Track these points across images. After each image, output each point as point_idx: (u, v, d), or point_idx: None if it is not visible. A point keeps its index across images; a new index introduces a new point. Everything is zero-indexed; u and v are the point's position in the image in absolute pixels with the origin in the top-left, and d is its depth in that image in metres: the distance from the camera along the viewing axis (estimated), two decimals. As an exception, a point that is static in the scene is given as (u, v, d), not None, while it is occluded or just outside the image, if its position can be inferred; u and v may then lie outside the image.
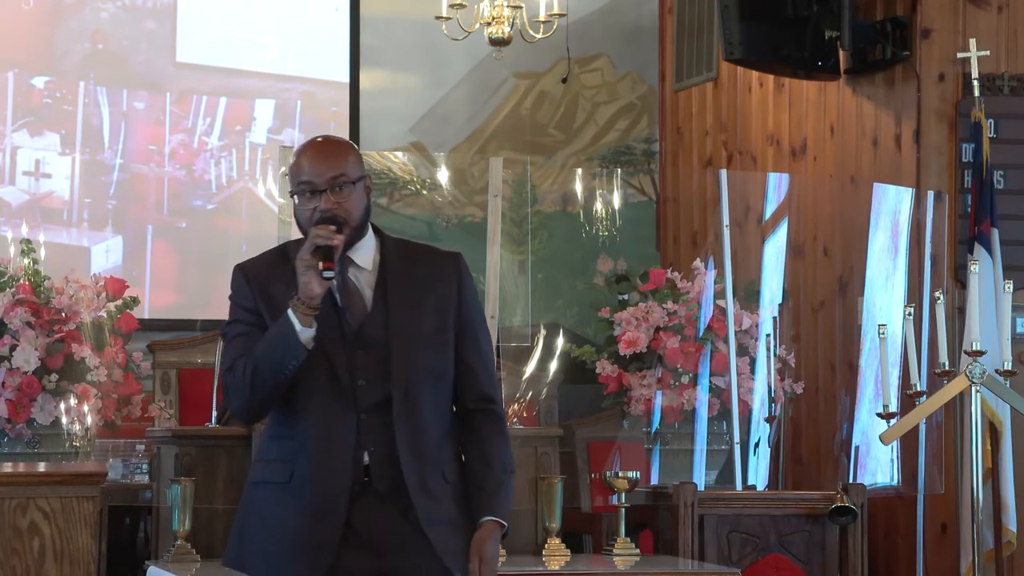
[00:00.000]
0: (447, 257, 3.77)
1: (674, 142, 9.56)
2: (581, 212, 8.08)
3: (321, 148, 3.70)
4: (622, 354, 7.07)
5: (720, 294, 6.97)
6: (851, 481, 6.67)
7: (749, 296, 7.14)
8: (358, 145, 9.58)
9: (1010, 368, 6.30)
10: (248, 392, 3.59)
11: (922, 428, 6.81)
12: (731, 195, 7.04)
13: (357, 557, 3.59)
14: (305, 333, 3.54)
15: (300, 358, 3.55)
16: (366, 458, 3.60)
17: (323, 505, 3.59)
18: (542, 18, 8.62)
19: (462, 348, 3.70)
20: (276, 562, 3.62)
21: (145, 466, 6.46)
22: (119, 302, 6.89)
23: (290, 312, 3.54)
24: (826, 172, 8.09)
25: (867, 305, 7.30)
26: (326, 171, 3.63)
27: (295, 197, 3.64)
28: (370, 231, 3.72)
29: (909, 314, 6.28)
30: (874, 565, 7.07)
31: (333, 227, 3.56)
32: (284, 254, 3.73)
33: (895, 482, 7.02)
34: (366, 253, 3.69)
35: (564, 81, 9.86)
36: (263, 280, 3.69)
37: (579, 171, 9.11)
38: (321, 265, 3.51)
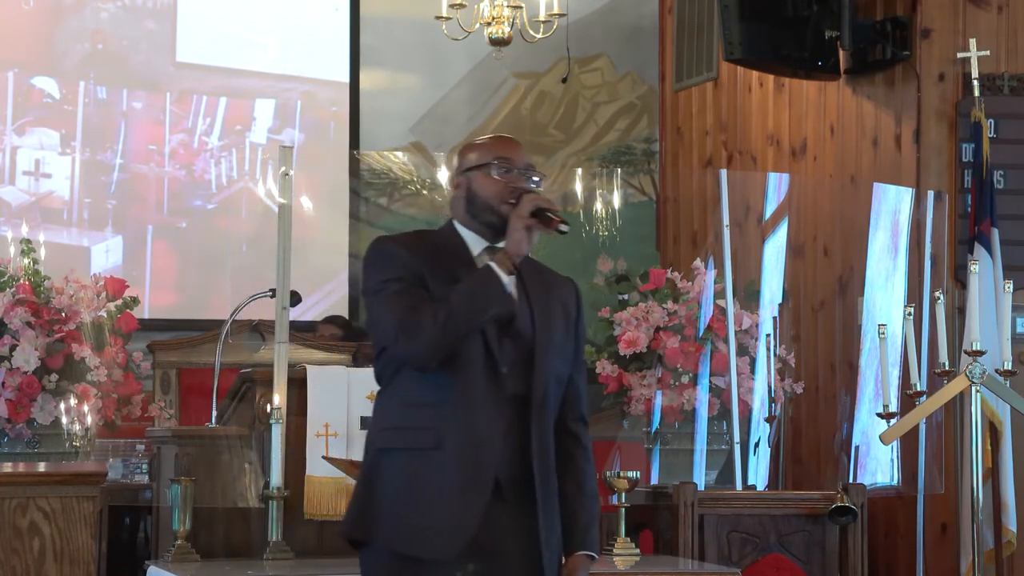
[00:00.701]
0: (567, 279, 3.94)
1: (674, 142, 9.56)
2: (581, 212, 8.09)
3: (515, 140, 3.88)
4: (622, 354, 7.07)
5: (720, 294, 6.97)
6: (851, 481, 6.67)
7: (749, 296, 7.14)
8: (358, 145, 9.65)
9: (1010, 368, 6.30)
10: (439, 336, 3.58)
11: (922, 428, 6.81)
12: (731, 195, 7.03)
13: (486, 545, 3.61)
14: (510, 285, 3.62)
15: (505, 307, 3.63)
16: (501, 447, 3.63)
17: (470, 484, 3.60)
18: (542, 18, 8.62)
19: (574, 366, 3.82)
20: (417, 527, 3.60)
21: (145, 466, 6.46)
22: (119, 302, 6.89)
23: (493, 264, 3.61)
24: (826, 172, 8.09)
25: (867, 305, 7.30)
26: (523, 157, 3.79)
27: (475, 172, 3.74)
28: None
29: (909, 314, 6.28)
30: (874, 565, 7.07)
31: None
32: (427, 239, 3.80)
33: (895, 482, 7.02)
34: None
35: (564, 81, 9.86)
36: (425, 256, 3.71)
37: (579, 171, 9.11)
38: (553, 222, 3.63)
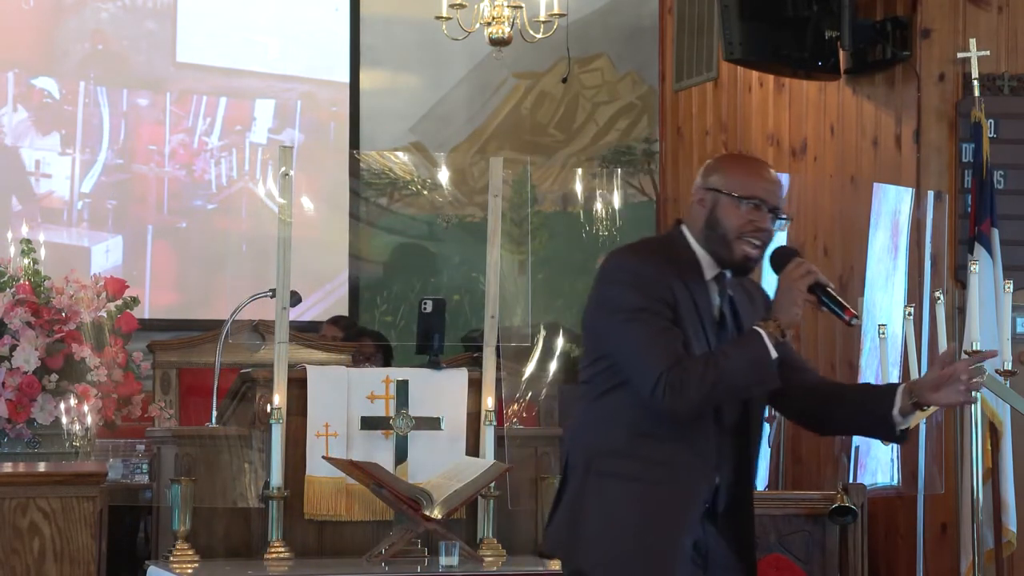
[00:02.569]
0: (765, 293, 3.84)
1: (674, 142, 9.55)
2: (581, 212, 8.07)
3: (770, 171, 3.75)
4: (622, 354, 7.06)
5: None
6: (851, 481, 6.66)
7: (749, 296, 7.14)
8: (358, 145, 9.65)
9: (1010, 368, 6.29)
10: (698, 404, 3.55)
11: (922, 428, 6.80)
12: (731, 195, 7.01)
13: (694, 571, 3.62)
14: (776, 363, 3.58)
15: (770, 385, 3.60)
16: (716, 478, 3.64)
17: (683, 514, 3.60)
18: (542, 18, 8.62)
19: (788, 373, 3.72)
20: (626, 557, 3.59)
21: (145, 466, 6.46)
22: (119, 302, 6.90)
23: (764, 335, 3.56)
24: (826, 172, 8.09)
25: (867, 305, 7.29)
26: (775, 196, 3.68)
27: (725, 196, 3.65)
28: None
29: (909, 314, 6.28)
30: (874, 565, 7.07)
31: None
32: (667, 254, 3.71)
33: (895, 482, 7.02)
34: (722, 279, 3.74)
35: (564, 81, 9.86)
36: (669, 278, 3.65)
37: (579, 171, 9.10)
38: (847, 313, 3.58)
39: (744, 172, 3.70)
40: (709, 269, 3.70)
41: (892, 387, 3.69)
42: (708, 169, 3.75)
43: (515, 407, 6.27)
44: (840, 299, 3.60)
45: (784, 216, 3.67)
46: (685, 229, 3.73)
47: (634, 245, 3.79)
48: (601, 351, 3.67)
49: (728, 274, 3.70)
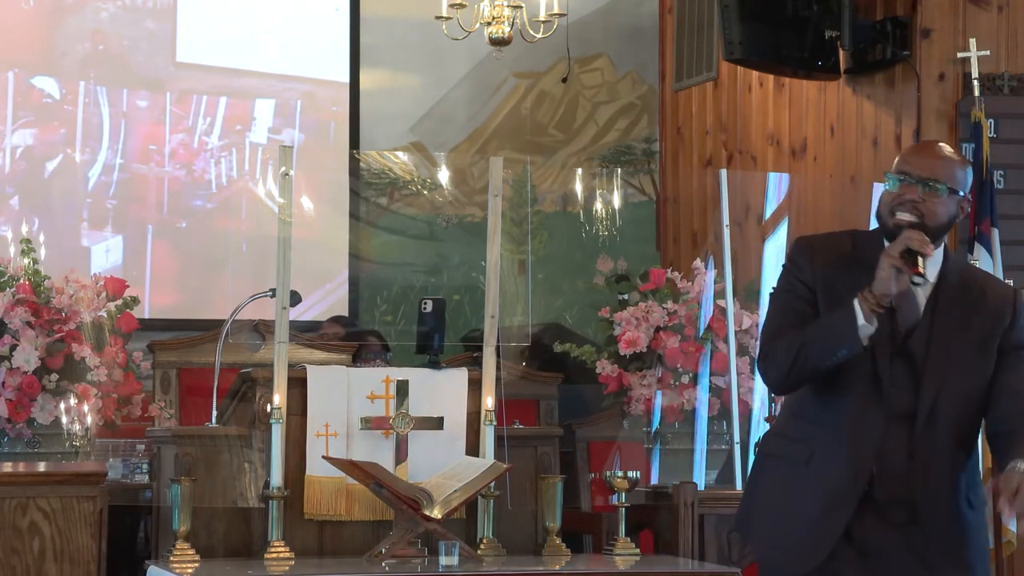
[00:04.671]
0: (1006, 290, 3.84)
1: (674, 142, 9.55)
2: (581, 212, 8.08)
3: (932, 149, 3.81)
4: (622, 354, 7.07)
5: (720, 294, 6.97)
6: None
7: (749, 296, 7.14)
8: (358, 145, 9.65)
9: (1010, 368, 6.28)
10: (787, 368, 3.65)
11: (922, 428, 6.80)
12: (731, 195, 7.03)
13: (846, 556, 3.63)
14: (866, 329, 3.59)
15: (853, 351, 3.60)
16: (875, 466, 3.63)
17: (837, 496, 3.63)
18: (542, 18, 8.61)
19: (1001, 373, 3.70)
20: (781, 536, 3.70)
21: (145, 466, 6.46)
22: (119, 302, 6.89)
23: (856, 303, 3.58)
24: (826, 172, 8.09)
25: (867, 305, 7.29)
26: (925, 168, 3.70)
27: (889, 182, 3.72)
28: (942, 247, 3.78)
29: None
30: (874, 565, 7.06)
31: (927, 236, 3.61)
32: (852, 241, 3.80)
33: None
34: (932, 265, 3.72)
35: (564, 81, 9.85)
36: (827, 261, 3.74)
37: (579, 171, 9.11)
38: (910, 269, 3.57)
39: (903, 153, 3.83)
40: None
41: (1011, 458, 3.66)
42: None
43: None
44: (919, 259, 3.60)
45: (934, 184, 3.68)
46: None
47: (821, 234, 3.96)
48: None
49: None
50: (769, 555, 3.75)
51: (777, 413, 3.94)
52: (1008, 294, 3.84)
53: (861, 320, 3.57)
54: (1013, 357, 3.74)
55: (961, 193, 3.76)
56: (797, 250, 3.82)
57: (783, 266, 3.83)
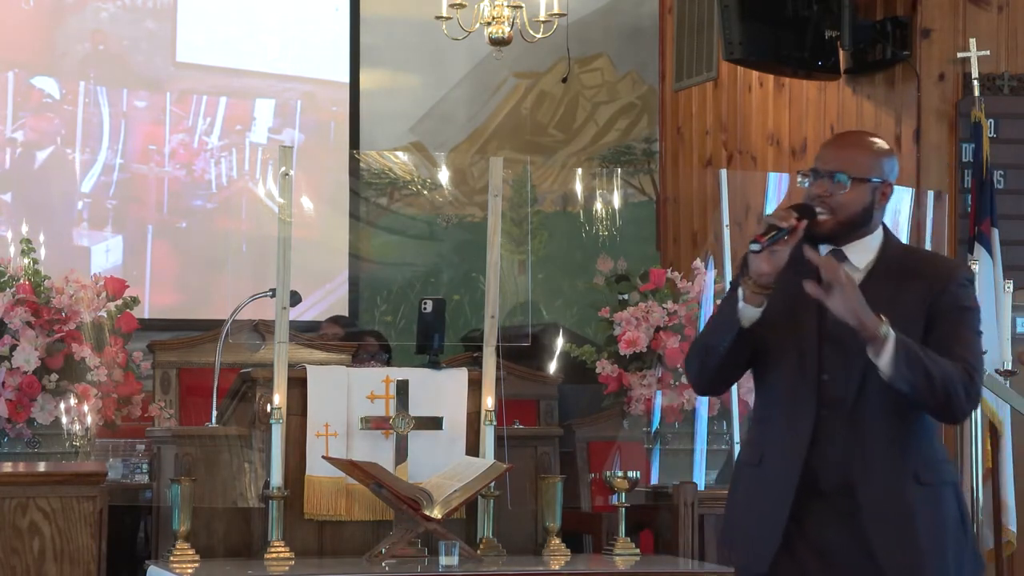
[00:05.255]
0: (948, 263, 3.82)
1: (674, 142, 9.55)
2: (581, 212, 8.08)
3: (838, 141, 3.89)
4: (622, 354, 7.07)
5: (720, 294, 6.96)
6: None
7: (749, 296, 7.13)
8: (358, 145, 9.65)
9: (1010, 368, 6.30)
10: (693, 358, 3.73)
11: (922, 428, 6.79)
12: (731, 195, 7.03)
13: (805, 554, 3.64)
14: (747, 311, 3.61)
15: (733, 333, 3.62)
16: (811, 455, 3.63)
17: (780, 492, 3.65)
18: (542, 18, 8.62)
19: (932, 340, 3.62)
20: (742, 541, 3.75)
21: (145, 466, 6.45)
22: (119, 302, 6.89)
23: (739, 288, 3.61)
24: (826, 172, 8.08)
25: (867, 305, 7.29)
26: (829, 161, 3.75)
27: (800, 177, 3.78)
28: (879, 233, 3.76)
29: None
30: (874, 565, 7.06)
31: (796, 214, 3.63)
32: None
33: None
34: (863, 253, 3.73)
35: (564, 81, 9.86)
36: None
37: (579, 171, 9.11)
38: (757, 237, 3.58)
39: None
40: (824, 247, 3.73)
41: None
42: None
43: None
44: (778, 236, 3.59)
45: (834, 175, 3.70)
46: None
47: None
48: None
49: (839, 247, 3.72)
50: (735, 559, 3.79)
51: None
52: (948, 266, 3.79)
53: (741, 303, 3.60)
54: (939, 321, 3.66)
55: (875, 179, 3.74)
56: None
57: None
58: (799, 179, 3.76)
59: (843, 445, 3.63)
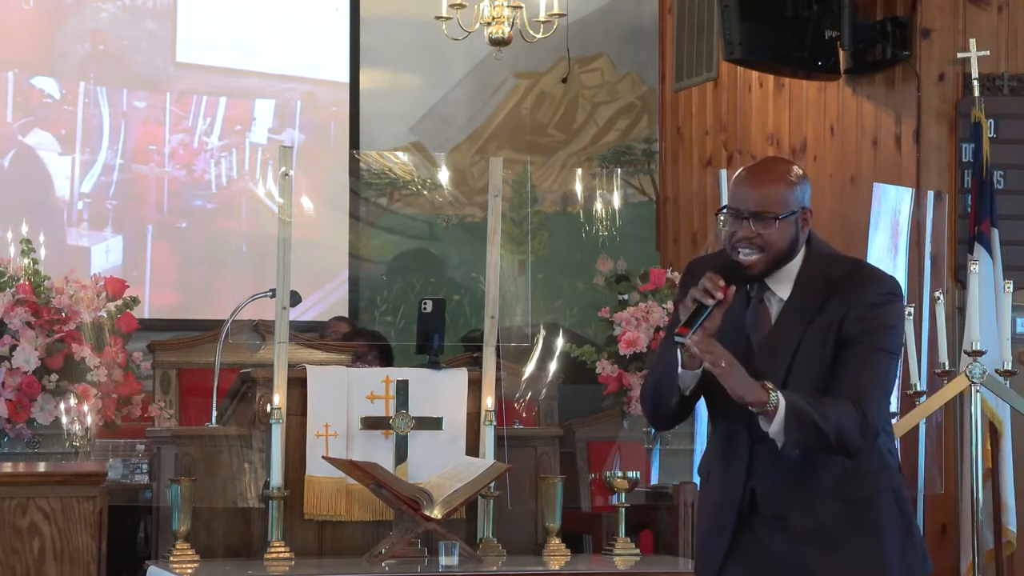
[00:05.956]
0: (860, 282, 3.65)
1: (674, 142, 9.56)
2: (581, 212, 8.07)
3: (754, 178, 3.68)
4: (622, 354, 7.07)
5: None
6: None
7: (749, 296, 7.13)
8: (358, 145, 9.65)
9: (1010, 368, 6.30)
10: (650, 408, 3.74)
11: (922, 428, 6.80)
12: (731, 195, 7.02)
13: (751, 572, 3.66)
14: (686, 376, 3.59)
15: (677, 396, 3.63)
16: (750, 484, 3.65)
17: (717, 520, 3.69)
18: (542, 18, 8.62)
19: (838, 365, 3.60)
20: (696, 555, 3.84)
21: (145, 466, 6.46)
22: (119, 302, 6.89)
23: (685, 340, 3.51)
24: (826, 172, 8.09)
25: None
26: (751, 202, 3.61)
27: (720, 217, 3.65)
28: (799, 257, 3.68)
29: (909, 314, 6.28)
30: (874, 565, 7.05)
31: (721, 282, 3.52)
32: (719, 261, 3.69)
33: (895, 482, 7.00)
34: (785, 280, 3.67)
35: (564, 81, 9.86)
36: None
37: (579, 171, 9.10)
38: (679, 328, 3.50)
39: (732, 184, 3.72)
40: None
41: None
42: None
43: (515, 407, 6.28)
44: (703, 313, 3.51)
45: (760, 215, 3.58)
46: None
47: (704, 255, 4.00)
48: None
49: (764, 282, 3.67)
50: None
51: None
52: (862, 282, 3.65)
53: (680, 369, 3.58)
54: (847, 347, 3.60)
55: (795, 211, 3.65)
56: (683, 275, 3.79)
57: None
58: (719, 222, 3.64)
59: (772, 472, 3.63)
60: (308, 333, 7.86)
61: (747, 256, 3.60)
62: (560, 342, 7.06)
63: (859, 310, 3.60)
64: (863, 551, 3.61)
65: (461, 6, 8.52)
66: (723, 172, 7.15)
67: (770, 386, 3.50)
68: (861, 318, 3.59)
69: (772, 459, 3.61)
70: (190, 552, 5.35)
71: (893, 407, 6.27)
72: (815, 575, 3.61)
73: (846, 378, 3.57)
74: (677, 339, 3.50)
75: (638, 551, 5.79)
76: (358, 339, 7.70)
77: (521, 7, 8.60)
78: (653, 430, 6.90)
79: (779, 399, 3.50)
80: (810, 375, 3.59)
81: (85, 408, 6.51)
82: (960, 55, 7.37)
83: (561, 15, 8.68)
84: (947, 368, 6.38)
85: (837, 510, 3.61)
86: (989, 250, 7.11)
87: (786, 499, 3.63)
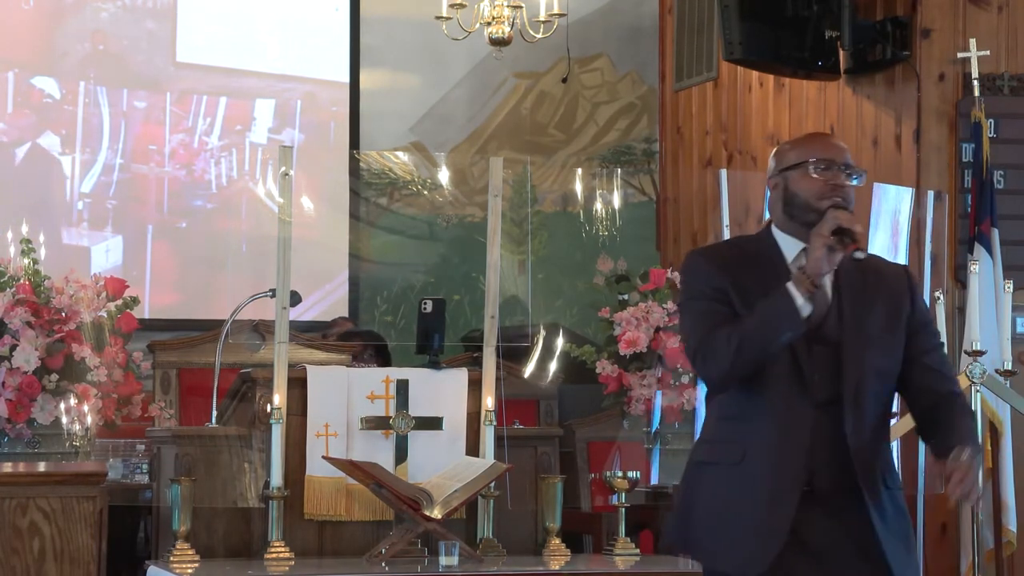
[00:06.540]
0: (898, 268, 3.89)
1: (674, 142, 9.56)
2: (581, 212, 8.08)
3: (832, 136, 3.93)
4: (622, 354, 7.07)
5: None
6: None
7: (749, 296, 7.13)
8: (358, 145, 9.65)
9: (1010, 368, 6.30)
10: (731, 361, 3.63)
11: (922, 428, 6.79)
12: (731, 195, 7.03)
13: (796, 556, 3.63)
14: (805, 309, 3.60)
15: (798, 331, 3.61)
16: (809, 458, 3.64)
17: (776, 492, 3.63)
18: (542, 18, 8.62)
19: (915, 350, 3.75)
20: (725, 542, 3.68)
21: (145, 466, 6.46)
22: (119, 302, 6.89)
23: (790, 286, 3.58)
24: (826, 172, 8.08)
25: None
26: (843, 154, 3.74)
27: (792, 171, 3.72)
28: None
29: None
30: (874, 565, 7.05)
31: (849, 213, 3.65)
32: (738, 245, 3.87)
33: (895, 482, 7.01)
34: None
35: (564, 81, 9.86)
36: (725, 266, 3.74)
37: (579, 171, 9.11)
38: (850, 246, 3.59)
39: (804, 142, 3.82)
40: (791, 249, 3.74)
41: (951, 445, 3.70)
42: (773, 157, 3.84)
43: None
44: (855, 238, 3.62)
45: (857, 172, 3.73)
46: (772, 225, 3.81)
47: (705, 246, 4.02)
48: None
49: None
50: (717, 564, 3.71)
51: (704, 423, 3.90)
52: (900, 273, 3.87)
53: (799, 301, 3.59)
54: (924, 336, 3.77)
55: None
56: (695, 261, 3.81)
57: (683, 280, 3.83)
58: (802, 169, 3.71)
59: (840, 446, 3.64)
60: (308, 333, 7.86)
61: (843, 206, 3.69)
62: (560, 342, 7.07)
63: (918, 302, 3.79)
64: (909, 539, 3.72)
65: (461, 6, 8.52)
66: (723, 172, 7.15)
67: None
68: (921, 306, 3.79)
69: (833, 428, 3.63)
70: (190, 552, 5.35)
71: (894, 407, 6.27)
72: (885, 554, 3.64)
73: (938, 367, 3.77)
74: (858, 256, 3.60)
75: (638, 551, 5.79)
76: (354, 339, 7.70)
77: (521, 7, 8.60)
78: (704, 391, 6.82)
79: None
80: (881, 353, 3.73)
81: (85, 408, 6.51)
82: (960, 55, 7.37)
83: (561, 15, 8.68)
84: (947, 368, 6.36)
85: (894, 494, 3.71)
86: (989, 250, 7.11)
87: (853, 474, 3.64)
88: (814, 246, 3.60)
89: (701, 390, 6.98)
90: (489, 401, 5.68)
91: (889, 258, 7.20)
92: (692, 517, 3.75)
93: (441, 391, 5.69)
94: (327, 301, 9.49)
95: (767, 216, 3.86)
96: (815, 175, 3.70)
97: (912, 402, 3.81)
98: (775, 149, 3.87)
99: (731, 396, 3.71)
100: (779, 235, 3.77)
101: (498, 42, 8.58)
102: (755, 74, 8.61)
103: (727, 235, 6.93)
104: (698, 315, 3.70)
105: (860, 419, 3.67)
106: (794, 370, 3.64)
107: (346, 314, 9.27)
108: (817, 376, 3.65)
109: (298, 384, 5.59)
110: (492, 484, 5.56)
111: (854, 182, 3.72)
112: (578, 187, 8.65)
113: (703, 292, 3.71)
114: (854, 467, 3.64)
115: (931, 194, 7.24)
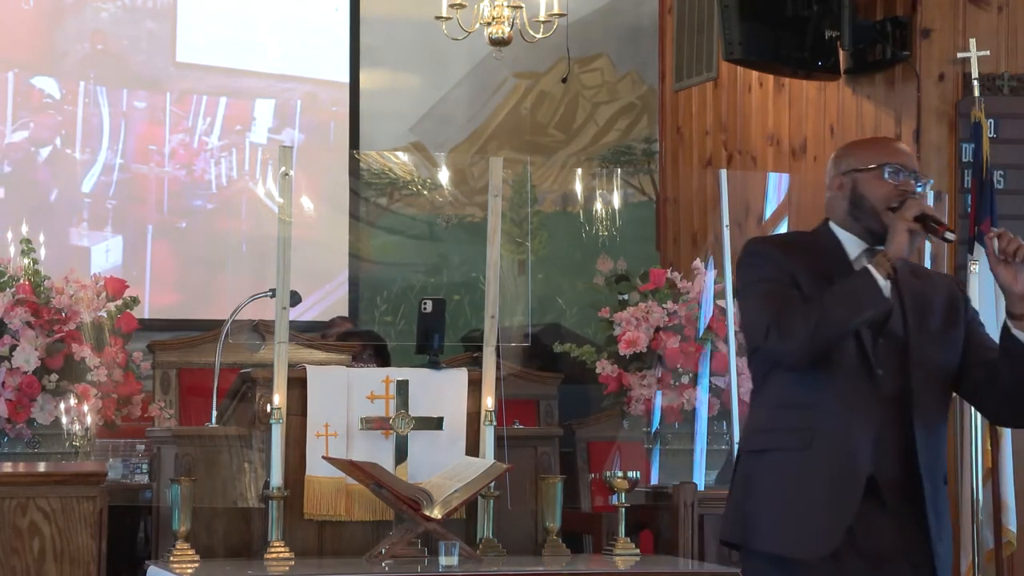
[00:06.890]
0: (945, 275, 4.04)
1: (674, 142, 9.55)
2: (581, 212, 8.08)
3: (902, 143, 3.97)
4: (622, 354, 7.07)
5: (720, 294, 6.96)
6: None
7: (749, 296, 7.12)
8: (358, 145, 9.65)
9: (1010, 368, 6.27)
10: (811, 335, 3.63)
11: (922, 428, 6.80)
12: (731, 195, 7.03)
13: (849, 550, 3.64)
14: (887, 289, 3.64)
15: (880, 309, 3.65)
16: (874, 449, 3.66)
17: (844, 477, 3.63)
18: (542, 18, 8.62)
19: (976, 339, 3.87)
20: (790, 522, 3.67)
21: (145, 466, 6.46)
22: (119, 302, 6.89)
23: (871, 268, 3.63)
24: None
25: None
26: (914, 162, 3.83)
27: (863, 174, 3.77)
28: None
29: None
30: (874, 565, 7.05)
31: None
32: (799, 236, 3.92)
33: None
34: None
35: (564, 81, 9.86)
36: (790, 252, 3.78)
37: (579, 171, 9.11)
38: (940, 228, 3.66)
39: (875, 146, 3.88)
40: (854, 247, 3.79)
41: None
42: (838, 156, 3.87)
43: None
44: (941, 221, 3.68)
45: (923, 179, 3.79)
46: (831, 223, 3.84)
47: (766, 235, 4.06)
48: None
49: (877, 248, 3.77)
50: (777, 546, 3.69)
51: (752, 414, 3.90)
52: (949, 278, 4.02)
53: (881, 281, 3.62)
54: (981, 329, 3.92)
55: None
56: (759, 246, 3.85)
57: (747, 264, 3.83)
58: (879, 172, 3.78)
59: (906, 440, 3.68)
60: (308, 333, 7.86)
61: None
62: (560, 342, 7.08)
63: (968, 302, 3.95)
64: (951, 540, 3.80)
65: (461, 6, 8.52)
66: (723, 172, 7.15)
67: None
68: (972, 307, 3.94)
69: (898, 421, 3.67)
70: (190, 552, 5.35)
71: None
72: (931, 545, 3.70)
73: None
74: (950, 237, 3.68)
75: (638, 551, 5.79)
76: (354, 339, 7.70)
77: (521, 7, 8.60)
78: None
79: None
80: (944, 350, 3.82)
81: (85, 408, 6.52)
82: (960, 55, 7.37)
83: (561, 15, 8.68)
84: (947, 368, 6.35)
85: (944, 493, 3.79)
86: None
87: (917, 468, 3.68)
88: (898, 229, 3.65)
89: (703, 391, 6.98)
90: (489, 401, 5.68)
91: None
92: (750, 504, 3.74)
93: (441, 391, 5.69)
94: (327, 301, 9.49)
95: (825, 214, 3.89)
96: (888, 180, 3.75)
97: (989, 376, 3.85)
98: (840, 149, 3.90)
99: (793, 383, 3.71)
100: (840, 232, 3.81)
101: (498, 42, 8.58)
102: (755, 74, 8.61)
103: (727, 235, 6.93)
104: (766, 295, 3.70)
105: (925, 415, 3.71)
106: (861, 362, 3.68)
107: (346, 314, 9.26)
108: (882, 371, 3.68)
109: (298, 384, 5.59)
110: (492, 484, 5.56)
111: (920, 189, 3.78)
112: (578, 187, 8.65)
113: (770, 275, 3.73)
114: (918, 461, 3.68)
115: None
